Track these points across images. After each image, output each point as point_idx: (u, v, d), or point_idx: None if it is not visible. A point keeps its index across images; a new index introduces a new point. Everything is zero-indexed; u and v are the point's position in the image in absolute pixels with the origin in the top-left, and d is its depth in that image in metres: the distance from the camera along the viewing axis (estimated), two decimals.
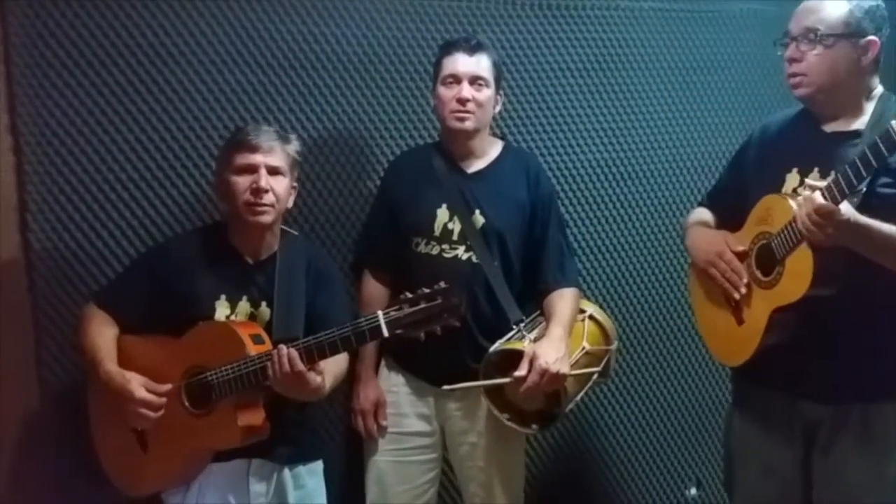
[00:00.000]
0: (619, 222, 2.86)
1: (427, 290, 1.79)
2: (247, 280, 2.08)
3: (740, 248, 1.97)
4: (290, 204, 2.13)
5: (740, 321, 1.98)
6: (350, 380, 2.34)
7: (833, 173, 1.73)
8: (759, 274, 1.93)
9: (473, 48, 2.24)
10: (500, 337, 2.22)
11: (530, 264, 2.31)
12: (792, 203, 1.78)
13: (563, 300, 2.27)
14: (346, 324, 1.86)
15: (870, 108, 1.86)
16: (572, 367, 2.17)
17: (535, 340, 2.17)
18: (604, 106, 2.82)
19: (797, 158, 1.90)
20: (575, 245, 2.78)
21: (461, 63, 2.22)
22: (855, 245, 1.72)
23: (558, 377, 2.09)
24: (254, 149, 2.01)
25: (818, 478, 1.97)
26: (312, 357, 1.88)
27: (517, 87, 2.71)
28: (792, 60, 1.88)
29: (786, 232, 1.80)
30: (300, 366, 1.86)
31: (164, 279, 2.06)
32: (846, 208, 1.67)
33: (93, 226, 2.27)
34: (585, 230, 2.82)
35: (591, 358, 2.26)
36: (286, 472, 2.11)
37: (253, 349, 1.93)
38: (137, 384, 1.95)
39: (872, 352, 1.88)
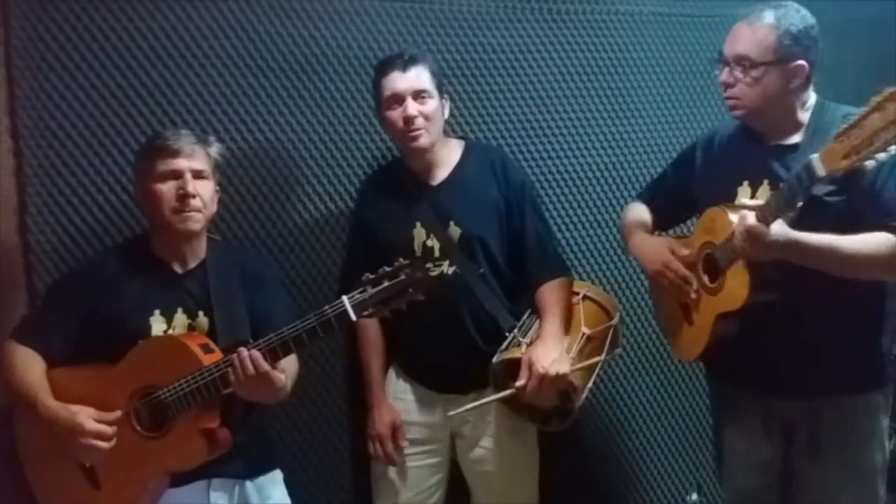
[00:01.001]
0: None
1: (388, 269, 1.72)
2: (178, 291, 1.92)
3: (685, 253, 2.00)
4: (215, 208, 1.98)
5: (690, 321, 2.05)
6: (346, 396, 2.31)
7: (770, 192, 1.78)
8: (706, 279, 1.96)
9: (407, 63, 2.10)
10: (504, 341, 2.14)
11: (515, 260, 2.20)
12: (732, 218, 1.79)
13: (552, 293, 2.16)
14: (307, 316, 1.73)
15: (806, 118, 1.89)
16: (575, 358, 2.08)
17: (532, 343, 2.09)
18: (604, 110, 2.73)
19: (746, 172, 1.92)
20: (572, 250, 2.71)
21: (399, 81, 2.09)
22: (790, 259, 1.74)
23: (558, 378, 2.01)
24: (175, 153, 1.85)
25: (798, 476, 1.98)
26: (277, 355, 1.75)
27: (515, 91, 2.61)
28: (726, 85, 1.91)
29: (726, 246, 1.83)
30: (265, 366, 1.73)
31: (88, 303, 1.88)
32: (777, 228, 1.70)
33: (93, 228, 2.19)
34: (586, 233, 2.72)
35: (594, 341, 2.16)
36: (248, 486, 1.96)
37: (205, 359, 1.79)
38: (85, 416, 1.79)
39: (835, 346, 1.88)
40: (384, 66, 2.15)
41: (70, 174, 2.20)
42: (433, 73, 2.16)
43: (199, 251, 1.98)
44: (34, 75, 2.13)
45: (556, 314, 2.13)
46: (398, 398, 2.26)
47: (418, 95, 2.12)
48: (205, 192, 1.90)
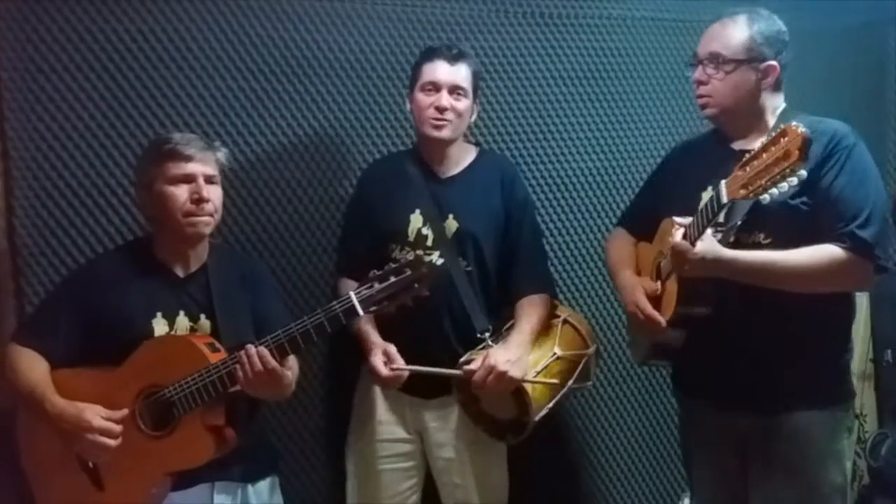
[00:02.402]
0: (609, 231, 2.70)
1: (394, 265, 1.75)
2: (181, 294, 1.92)
3: (653, 289, 1.98)
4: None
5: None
6: (328, 401, 2.30)
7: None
8: (657, 287, 1.98)
9: (455, 57, 2.13)
10: (477, 344, 2.13)
11: (503, 270, 2.21)
12: (676, 232, 1.80)
13: (532, 307, 2.16)
14: (315, 312, 1.75)
15: (773, 123, 1.89)
16: (540, 373, 2.08)
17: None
18: (595, 114, 2.73)
19: (711, 177, 1.86)
20: (563, 254, 2.71)
21: (442, 71, 2.12)
22: (724, 276, 1.75)
23: (506, 378, 2.01)
24: (188, 158, 1.85)
25: (755, 494, 1.93)
26: (285, 351, 1.76)
27: (508, 96, 2.60)
28: (699, 83, 1.94)
29: (667, 258, 1.85)
30: (273, 362, 1.75)
31: (90, 306, 1.87)
32: (702, 247, 1.72)
33: (81, 231, 2.18)
34: (576, 239, 2.71)
35: (564, 363, 2.15)
36: (250, 490, 1.96)
37: (212, 357, 1.79)
38: (93, 413, 1.78)
39: (793, 361, 1.86)
40: (431, 53, 2.17)
41: (58, 177, 2.19)
42: (474, 74, 2.19)
43: (202, 255, 1.97)
44: (22, 77, 2.12)
45: (528, 323, 2.13)
46: (368, 399, 2.25)
47: (455, 90, 2.14)
48: (216, 198, 1.91)
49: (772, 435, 1.89)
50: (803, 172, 1.54)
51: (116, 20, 2.20)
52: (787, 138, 1.54)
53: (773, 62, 1.88)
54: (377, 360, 2.08)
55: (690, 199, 1.90)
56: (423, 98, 2.14)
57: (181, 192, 1.86)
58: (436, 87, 2.13)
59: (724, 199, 1.67)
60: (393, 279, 1.74)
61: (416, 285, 1.74)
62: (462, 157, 2.25)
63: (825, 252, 1.75)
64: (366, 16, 2.46)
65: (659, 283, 1.97)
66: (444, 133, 2.14)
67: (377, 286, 1.74)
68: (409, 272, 1.74)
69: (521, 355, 2.07)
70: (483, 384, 2.03)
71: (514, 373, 2.03)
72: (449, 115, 2.13)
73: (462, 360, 2.10)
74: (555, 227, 2.72)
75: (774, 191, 1.57)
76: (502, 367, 2.01)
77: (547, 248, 2.54)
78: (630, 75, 2.79)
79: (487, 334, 2.14)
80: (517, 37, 2.64)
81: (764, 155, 1.58)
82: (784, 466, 1.88)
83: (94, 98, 2.20)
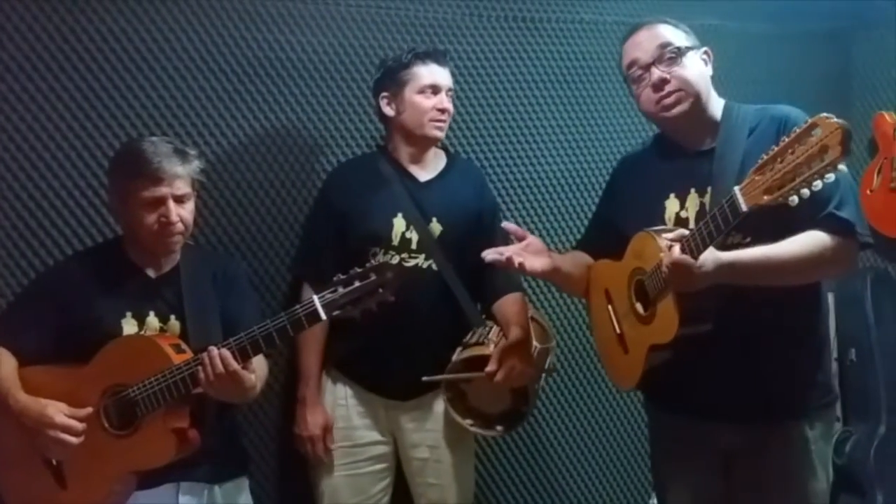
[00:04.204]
0: (581, 233, 2.82)
1: (359, 269, 1.72)
2: (151, 294, 1.92)
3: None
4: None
5: (626, 350, 1.92)
6: (288, 402, 2.26)
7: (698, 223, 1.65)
8: (639, 307, 1.83)
9: (445, 59, 2.21)
10: (457, 346, 2.15)
11: (478, 272, 2.20)
12: (661, 244, 1.69)
13: (517, 304, 2.20)
14: (278, 316, 1.74)
15: (719, 119, 1.83)
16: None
17: (496, 344, 2.11)
18: (565, 118, 2.75)
19: (671, 184, 1.84)
20: None
21: (440, 74, 2.17)
22: (726, 282, 1.64)
23: (524, 374, 2.07)
24: (158, 181, 1.82)
25: None
26: (247, 354, 1.75)
27: (482, 99, 2.62)
28: (663, 82, 1.79)
29: (655, 275, 1.71)
30: (234, 365, 1.73)
31: (63, 304, 1.87)
32: (705, 256, 1.60)
33: (49, 233, 2.16)
34: (549, 240, 2.72)
35: (540, 356, 2.20)
36: (216, 491, 1.95)
37: (176, 358, 1.78)
38: (55, 409, 1.78)
39: (777, 372, 1.79)
40: (426, 56, 2.19)
41: (27, 178, 2.16)
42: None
43: (174, 256, 1.97)
44: None
45: (521, 321, 2.16)
46: (338, 404, 2.23)
47: (448, 91, 2.20)
48: (186, 215, 1.89)
49: (760, 447, 1.82)
50: (844, 167, 1.42)
51: (87, 20, 2.18)
52: (820, 132, 1.40)
53: (707, 48, 1.86)
54: (315, 427, 2.17)
55: (652, 210, 1.86)
56: (423, 101, 2.16)
57: (150, 217, 1.85)
58: (435, 90, 2.16)
59: (744, 208, 1.53)
60: (357, 283, 1.72)
61: (380, 290, 1.72)
62: (436, 161, 2.28)
63: (813, 238, 1.68)
64: (339, 17, 2.46)
65: (639, 304, 1.84)
66: (442, 134, 2.21)
67: (341, 290, 1.72)
68: (373, 276, 1.72)
69: (529, 350, 2.12)
70: (505, 381, 2.07)
71: (530, 368, 2.10)
72: (446, 117, 2.19)
73: (458, 357, 2.12)
74: (525, 228, 2.71)
75: (806, 191, 1.44)
76: (520, 364, 2.07)
77: None
78: (600, 79, 2.81)
79: (483, 328, 2.18)
80: (489, 40, 2.66)
81: (791, 154, 1.44)
82: (774, 477, 1.82)
83: (63, 98, 2.17)
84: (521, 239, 1.92)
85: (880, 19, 2.97)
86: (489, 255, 1.85)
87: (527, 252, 1.89)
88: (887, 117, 2.85)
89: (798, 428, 1.82)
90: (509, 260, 1.83)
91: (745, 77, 2.66)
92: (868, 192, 2.88)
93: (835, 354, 2.92)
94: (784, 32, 2.92)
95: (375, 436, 2.22)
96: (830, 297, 2.80)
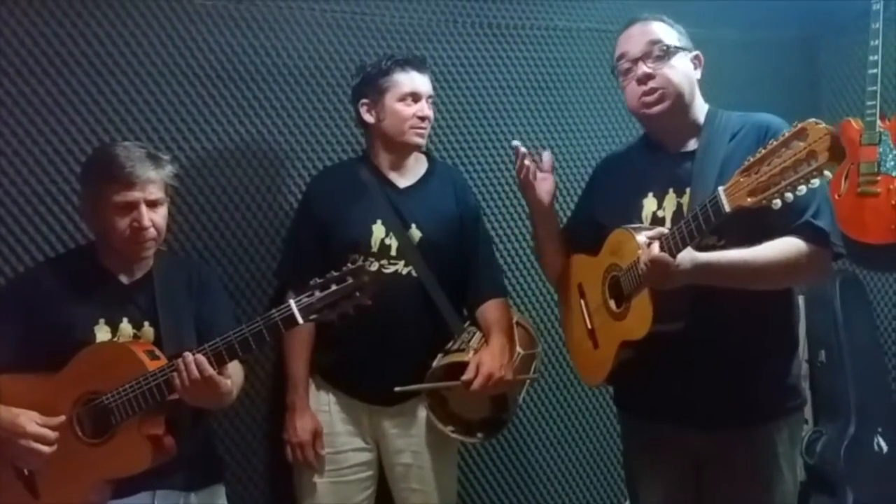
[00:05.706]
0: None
1: (336, 273, 1.71)
2: (124, 301, 1.89)
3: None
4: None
5: (596, 345, 1.94)
6: (276, 409, 2.23)
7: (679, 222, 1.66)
8: (612, 304, 1.85)
9: (424, 66, 2.19)
10: (439, 352, 2.14)
11: (460, 277, 2.22)
12: (639, 241, 1.69)
13: (499, 309, 2.20)
14: (254, 320, 1.72)
15: (702, 122, 1.85)
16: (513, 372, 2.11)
17: (476, 351, 2.10)
18: (542, 123, 2.77)
19: (650, 183, 1.85)
20: (513, 261, 2.73)
21: (419, 81, 2.15)
22: (702, 283, 1.65)
23: (503, 381, 2.06)
24: (130, 185, 1.80)
25: None
26: (222, 359, 1.73)
27: (458, 105, 2.63)
28: (647, 78, 1.81)
29: (631, 272, 1.72)
30: (210, 370, 1.72)
31: (34, 311, 1.84)
32: (683, 255, 1.62)
33: (20, 239, 2.14)
34: (524, 244, 2.73)
35: (524, 361, 2.20)
36: (192, 498, 1.92)
37: (150, 365, 1.76)
38: (27, 418, 1.75)
39: (746, 375, 1.80)
40: (406, 62, 2.18)
41: None
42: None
43: (147, 262, 1.94)
44: None
45: (503, 327, 2.17)
46: (321, 411, 2.20)
47: (429, 98, 2.19)
48: (159, 220, 1.87)
49: (728, 451, 1.83)
50: (829, 174, 1.42)
51: (58, 24, 2.16)
52: (808, 137, 1.41)
53: (698, 52, 1.88)
54: (305, 433, 2.13)
55: (631, 207, 1.87)
56: (403, 108, 2.14)
57: (122, 221, 1.82)
58: (416, 97, 2.15)
59: (727, 209, 1.54)
60: (334, 287, 1.70)
61: (357, 294, 1.70)
62: (416, 166, 2.26)
63: (790, 245, 1.69)
64: (315, 23, 2.45)
65: (612, 300, 1.85)
66: (423, 141, 2.19)
67: (318, 294, 1.71)
68: (350, 280, 1.70)
69: (509, 358, 2.11)
70: (483, 390, 2.06)
71: (508, 376, 2.09)
72: (427, 124, 2.17)
73: (438, 363, 2.12)
74: (503, 233, 2.74)
75: (790, 195, 1.45)
76: (499, 372, 2.06)
77: (496, 254, 2.55)
78: (575, 85, 2.83)
79: (464, 333, 2.17)
80: (465, 46, 2.67)
81: (777, 158, 1.45)
82: (743, 478, 1.83)
83: (34, 103, 2.15)
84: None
85: (848, 27, 3.00)
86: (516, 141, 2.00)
87: (541, 182, 1.99)
88: (854, 123, 2.89)
89: (766, 432, 1.83)
90: (524, 157, 1.95)
91: (715, 83, 2.66)
92: (836, 196, 2.92)
93: (805, 356, 2.96)
94: (753, 39, 2.96)
95: (358, 442, 2.20)
96: (801, 300, 2.85)
